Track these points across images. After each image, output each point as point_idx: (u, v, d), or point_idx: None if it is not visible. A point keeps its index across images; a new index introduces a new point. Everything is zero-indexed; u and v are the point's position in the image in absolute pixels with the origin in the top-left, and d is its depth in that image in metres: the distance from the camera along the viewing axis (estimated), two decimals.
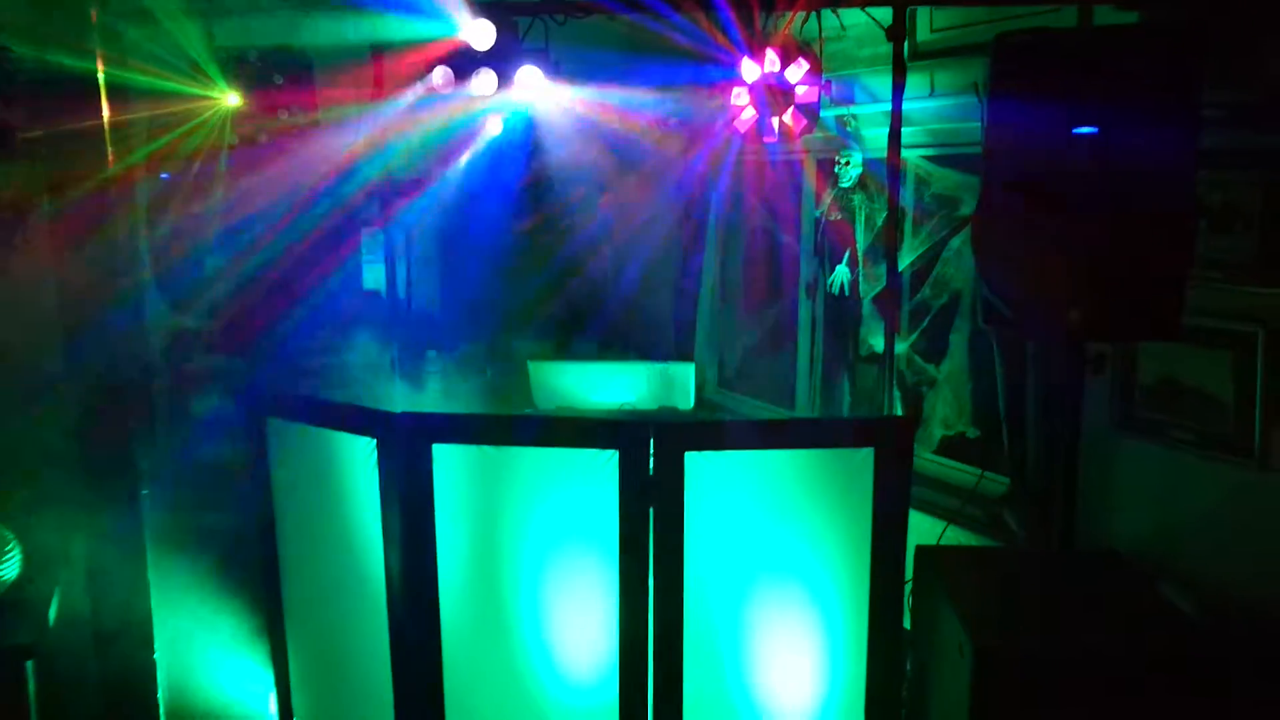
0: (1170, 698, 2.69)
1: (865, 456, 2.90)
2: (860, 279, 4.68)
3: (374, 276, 5.76)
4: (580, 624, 3.07)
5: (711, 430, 2.99)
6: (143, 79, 3.44)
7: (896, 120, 3.27)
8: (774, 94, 3.61)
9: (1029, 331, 3.08)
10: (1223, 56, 2.84)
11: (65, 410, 2.91)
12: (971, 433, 4.23)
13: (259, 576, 3.56)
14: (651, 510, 2.94)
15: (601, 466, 2.92)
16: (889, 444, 2.92)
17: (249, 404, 3.40)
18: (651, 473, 2.92)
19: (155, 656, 2.96)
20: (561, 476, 3.00)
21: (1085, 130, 2.67)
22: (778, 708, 3.11)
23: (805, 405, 4.99)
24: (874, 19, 3.53)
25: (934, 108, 4.06)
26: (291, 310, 4.56)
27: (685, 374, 3.80)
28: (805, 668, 3.08)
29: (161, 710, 3.03)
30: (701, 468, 2.91)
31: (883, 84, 4.19)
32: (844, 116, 4.50)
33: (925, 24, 4.14)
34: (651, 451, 2.92)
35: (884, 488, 2.92)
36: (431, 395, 4.84)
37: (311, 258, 4.98)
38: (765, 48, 3.65)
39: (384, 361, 4.63)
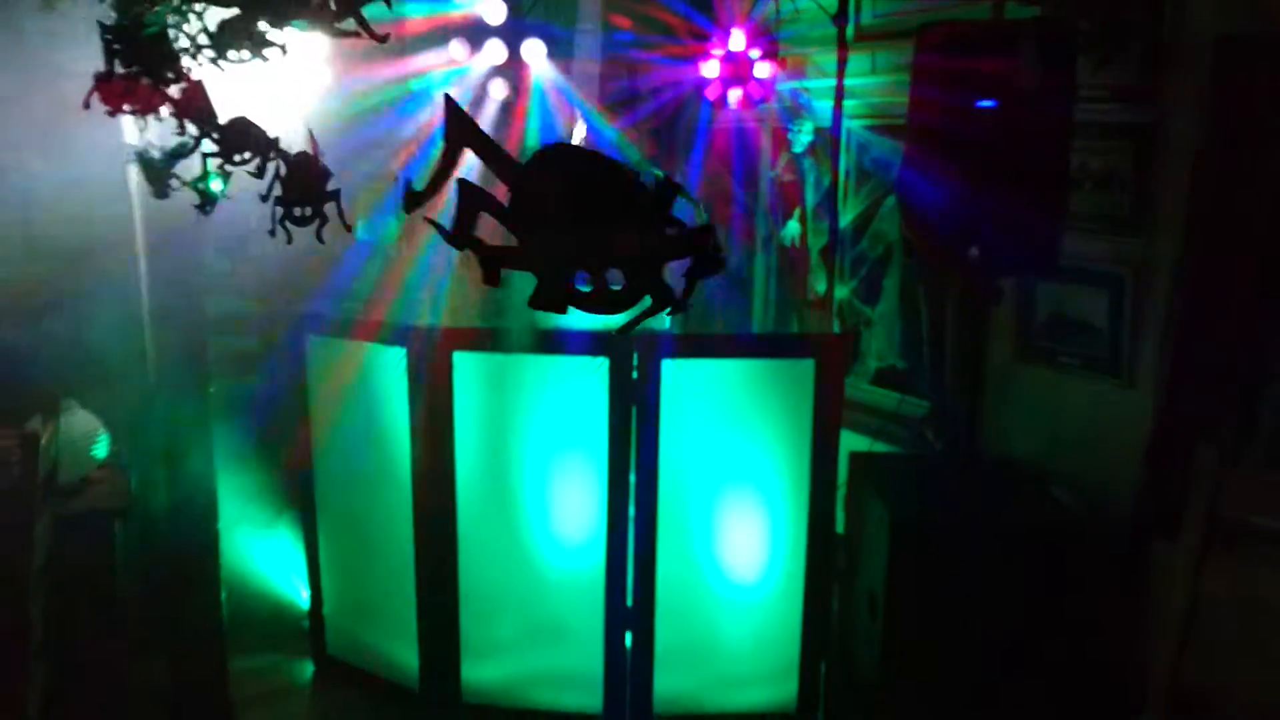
0: (1038, 560, 3.36)
1: (807, 366, 3.53)
2: (808, 233, 5.31)
3: None
4: (574, 502, 3.65)
5: (685, 342, 3.59)
6: None
7: (839, 93, 3.89)
8: (737, 69, 4.23)
9: (939, 264, 3.73)
10: (1105, 47, 3.50)
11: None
12: (900, 364, 4.88)
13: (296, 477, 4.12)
14: (634, 408, 3.51)
15: (593, 372, 3.51)
16: (827, 356, 3.57)
17: (291, 323, 3.94)
18: (634, 377, 3.48)
19: (219, 526, 3.52)
20: (561, 380, 3.57)
21: (985, 104, 3.31)
22: (733, 569, 3.72)
23: None
24: (821, 6, 4.13)
25: (874, 83, 4.65)
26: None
27: None
28: (756, 538, 3.69)
29: (220, 574, 3.60)
30: (675, 374, 3.48)
31: (831, 62, 4.82)
32: (798, 89, 5.11)
33: (869, 8, 4.75)
34: (635, 360, 3.49)
35: (823, 391, 3.52)
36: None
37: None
38: (732, 28, 4.27)
39: None
